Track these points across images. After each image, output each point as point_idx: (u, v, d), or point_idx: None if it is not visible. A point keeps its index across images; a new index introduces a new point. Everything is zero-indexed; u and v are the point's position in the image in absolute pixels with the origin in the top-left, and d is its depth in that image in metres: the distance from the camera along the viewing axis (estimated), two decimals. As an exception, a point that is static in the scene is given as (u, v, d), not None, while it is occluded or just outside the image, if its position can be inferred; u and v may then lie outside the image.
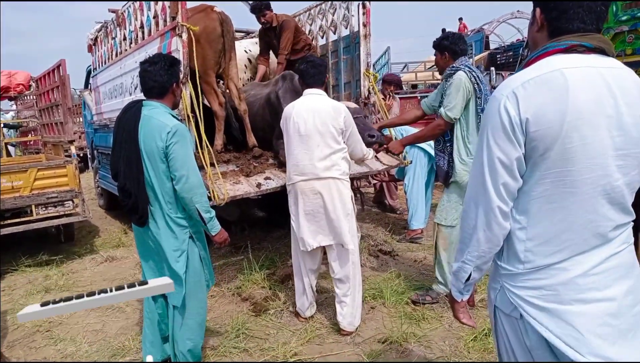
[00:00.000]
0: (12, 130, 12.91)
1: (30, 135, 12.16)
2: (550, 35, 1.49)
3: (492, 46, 19.65)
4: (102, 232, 6.94)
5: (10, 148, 11.47)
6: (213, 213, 2.73)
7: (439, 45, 3.67)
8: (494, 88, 6.95)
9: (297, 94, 4.38)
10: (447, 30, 18.57)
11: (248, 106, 4.61)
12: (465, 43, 3.69)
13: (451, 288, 1.71)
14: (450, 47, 3.60)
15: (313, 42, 5.68)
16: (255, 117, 4.63)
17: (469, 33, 19.31)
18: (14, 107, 14.45)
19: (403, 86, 10.26)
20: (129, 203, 2.69)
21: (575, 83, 1.35)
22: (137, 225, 2.75)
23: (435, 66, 3.76)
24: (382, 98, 6.66)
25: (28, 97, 8.59)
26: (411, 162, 4.81)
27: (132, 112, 2.71)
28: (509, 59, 16.24)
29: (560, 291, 1.42)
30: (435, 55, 3.76)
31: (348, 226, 3.43)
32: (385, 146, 4.22)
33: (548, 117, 1.35)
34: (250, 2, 5.33)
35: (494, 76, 9.74)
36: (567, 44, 1.42)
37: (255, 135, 4.62)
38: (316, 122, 3.39)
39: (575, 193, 1.39)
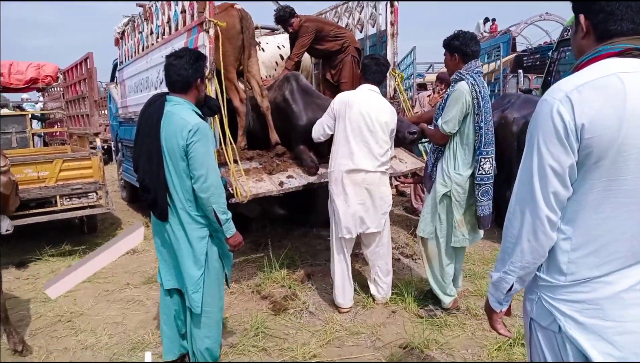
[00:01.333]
0: (40, 122, 13.11)
1: (56, 126, 12.38)
2: (598, 40, 1.40)
3: (519, 48, 19.30)
4: (124, 224, 7.01)
5: (37, 139, 11.65)
6: (229, 214, 2.70)
7: (448, 45, 3.44)
8: (522, 91, 6.83)
9: (305, 93, 4.37)
10: (473, 30, 18.29)
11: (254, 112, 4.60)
12: (478, 44, 3.43)
13: (489, 297, 1.64)
14: (460, 48, 3.36)
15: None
16: (263, 123, 4.60)
17: (495, 35, 18.98)
18: (42, 98, 14.72)
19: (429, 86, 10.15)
20: (148, 198, 2.69)
21: (633, 88, 1.27)
22: (159, 219, 2.74)
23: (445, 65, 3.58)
24: (430, 96, 6.58)
25: (55, 88, 8.72)
26: None
27: (155, 106, 2.69)
28: (536, 62, 15.88)
29: (603, 306, 1.36)
30: (444, 55, 3.53)
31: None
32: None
33: (604, 124, 1.27)
34: (275, 7, 5.23)
35: (522, 79, 9.55)
36: (622, 47, 1.34)
37: (260, 141, 4.61)
38: (380, 119, 3.58)
39: (627, 203, 1.32)
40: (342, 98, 3.69)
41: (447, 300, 3.62)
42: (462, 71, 3.34)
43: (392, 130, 3.69)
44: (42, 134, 12.16)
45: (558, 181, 1.36)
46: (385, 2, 4.93)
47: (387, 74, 4.70)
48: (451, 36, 3.43)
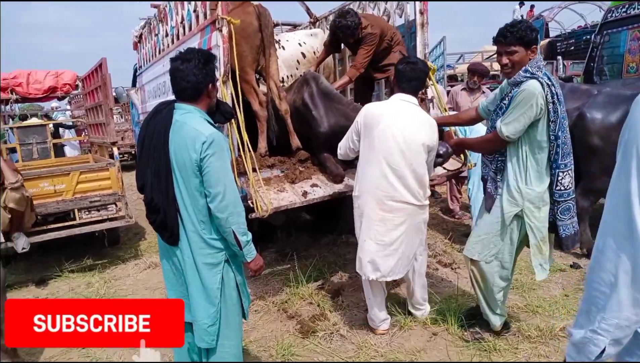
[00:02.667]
0: (70, 129, 13.13)
1: (83, 134, 12.38)
2: None
3: (552, 34, 18.45)
4: (147, 234, 6.79)
5: (67, 148, 11.62)
6: (250, 236, 2.37)
7: (523, 38, 2.72)
8: (562, 80, 6.20)
9: (325, 96, 3.98)
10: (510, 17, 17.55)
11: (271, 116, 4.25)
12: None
13: (566, 358, 1.26)
14: (536, 39, 2.76)
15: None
16: (283, 126, 4.24)
17: (521, 15, 18.16)
18: (69, 106, 14.79)
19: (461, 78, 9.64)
20: (157, 219, 2.36)
21: None
22: (168, 243, 2.41)
23: (508, 65, 2.79)
24: (466, 90, 6.11)
25: (80, 96, 8.63)
26: (475, 165, 4.29)
27: (162, 115, 2.36)
28: (570, 47, 15.11)
29: None
30: (511, 50, 2.77)
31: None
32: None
33: None
34: (338, 20, 4.46)
35: (561, 66, 8.95)
36: None
37: (281, 147, 4.27)
38: (415, 139, 3.03)
39: None
40: (369, 111, 3.19)
41: (497, 322, 3.19)
42: (530, 68, 2.73)
43: (430, 149, 3.10)
44: (74, 142, 12.17)
45: None
46: (413, -10, 4.51)
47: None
48: (522, 27, 2.73)
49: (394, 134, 3.02)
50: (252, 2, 4.00)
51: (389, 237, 3.09)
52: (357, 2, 5.53)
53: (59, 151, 9.45)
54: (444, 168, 4.00)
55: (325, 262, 4.79)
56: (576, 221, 2.97)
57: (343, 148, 3.41)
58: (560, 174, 2.82)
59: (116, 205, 5.39)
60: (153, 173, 2.34)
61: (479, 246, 3.08)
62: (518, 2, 17.79)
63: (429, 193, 3.21)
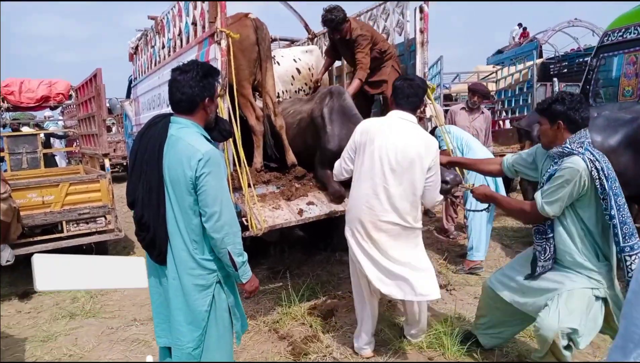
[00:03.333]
0: (61, 139, 13.01)
1: (74, 144, 12.25)
2: None
3: (545, 55, 18.65)
4: (136, 248, 6.65)
5: (58, 159, 11.49)
6: (246, 256, 2.28)
7: (547, 110, 2.67)
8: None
9: (344, 114, 3.90)
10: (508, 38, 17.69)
11: (287, 124, 4.18)
12: (588, 110, 2.64)
13: None
14: (567, 114, 2.59)
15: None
16: (294, 137, 4.18)
17: (521, 42, 18.39)
18: (61, 116, 14.68)
19: (456, 97, 9.66)
20: (146, 237, 2.26)
21: None
22: (156, 262, 2.31)
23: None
24: (465, 109, 6.08)
25: (73, 106, 8.54)
26: (474, 185, 4.23)
27: (157, 129, 2.28)
28: (563, 69, 15.27)
29: None
30: (539, 122, 2.77)
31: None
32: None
33: None
34: (324, 14, 4.66)
35: (556, 88, 8.98)
36: None
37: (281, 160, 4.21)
38: (408, 155, 2.89)
39: None
40: (365, 127, 3.10)
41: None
42: (570, 145, 2.60)
43: (428, 169, 2.94)
44: (65, 153, 12.04)
45: None
46: (414, 7, 4.49)
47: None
48: (551, 99, 2.69)
49: (387, 151, 2.91)
50: (249, 15, 3.96)
51: (377, 255, 2.97)
52: (357, 18, 5.52)
53: (50, 161, 9.33)
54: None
55: (319, 281, 4.69)
56: None
57: (337, 166, 3.31)
58: (628, 258, 2.50)
59: (106, 218, 5.29)
60: (144, 188, 2.25)
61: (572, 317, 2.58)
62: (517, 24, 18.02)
63: (419, 216, 3.04)
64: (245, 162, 3.42)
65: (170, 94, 2.30)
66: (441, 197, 3.12)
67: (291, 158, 4.05)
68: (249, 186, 3.40)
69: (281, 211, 3.52)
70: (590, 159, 2.52)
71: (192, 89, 2.23)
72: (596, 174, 2.51)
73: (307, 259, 5.47)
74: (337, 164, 3.32)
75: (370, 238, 2.97)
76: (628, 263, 2.49)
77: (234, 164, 3.47)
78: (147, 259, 2.38)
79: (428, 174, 2.95)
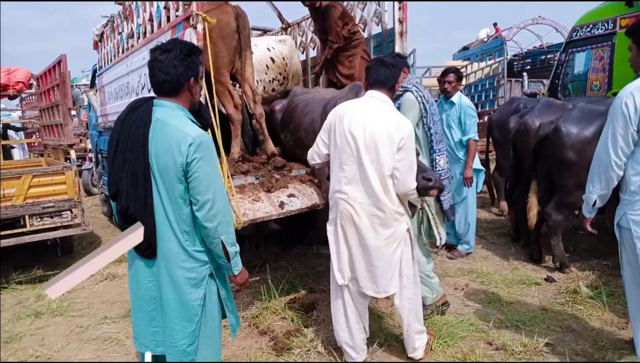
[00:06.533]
0: (19, 132, 12.42)
1: (34, 136, 11.69)
2: None
3: (510, 53, 19.03)
4: (104, 243, 6.39)
5: (15, 151, 10.96)
6: (238, 247, 2.17)
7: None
8: (527, 95, 6.51)
9: None
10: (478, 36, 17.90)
11: (304, 104, 4.08)
12: None
13: (583, 209, 2.79)
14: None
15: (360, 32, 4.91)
16: (303, 118, 4.05)
17: (486, 40, 18.70)
18: (20, 106, 14.03)
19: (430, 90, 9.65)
20: None
21: None
22: (144, 257, 2.15)
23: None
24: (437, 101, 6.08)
25: (34, 96, 8.14)
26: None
27: (139, 113, 2.10)
28: (526, 66, 15.63)
29: None
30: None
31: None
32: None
33: None
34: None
35: (526, 83, 9.16)
36: None
37: (295, 137, 4.09)
38: (379, 133, 2.73)
39: None
40: (335, 109, 2.99)
41: None
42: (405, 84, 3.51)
43: (401, 146, 2.73)
44: (23, 145, 11.51)
45: (623, 141, 2.46)
46: (392, -1, 4.44)
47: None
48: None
49: (355, 130, 2.77)
50: (230, 3, 3.82)
51: (355, 244, 2.83)
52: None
53: (6, 153, 8.87)
54: None
55: (297, 274, 4.60)
56: (451, 197, 3.70)
57: (310, 150, 3.14)
58: (437, 157, 3.49)
59: (72, 212, 5.04)
60: (129, 178, 2.08)
61: None
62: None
63: (395, 200, 2.82)
64: (224, 152, 3.29)
65: (151, 75, 2.13)
66: (414, 185, 2.83)
67: (271, 147, 3.94)
68: (228, 177, 3.27)
69: (261, 203, 3.41)
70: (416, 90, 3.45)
71: (176, 68, 2.08)
72: (421, 99, 3.43)
73: (284, 252, 5.38)
74: (310, 148, 3.16)
75: (351, 222, 2.82)
76: (437, 160, 3.50)
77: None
78: (129, 255, 2.22)
79: (398, 156, 2.75)
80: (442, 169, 3.48)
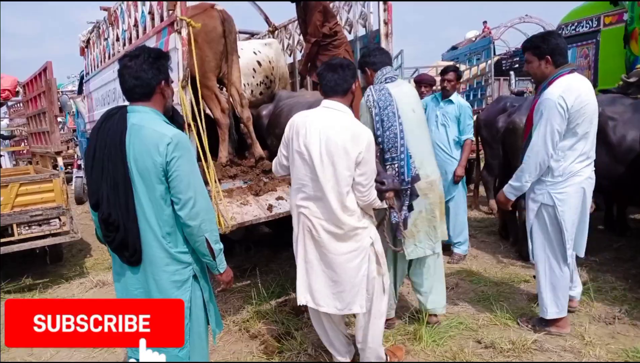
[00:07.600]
0: (6, 140, 12.32)
1: (23, 144, 11.60)
2: (555, 67, 3.00)
3: (498, 52, 19.14)
4: (94, 250, 6.37)
5: (2, 159, 10.87)
6: (222, 245, 2.18)
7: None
8: (514, 94, 6.64)
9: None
10: (467, 35, 18.01)
11: (289, 109, 4.07)
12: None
13: (507, 192, 3.28)
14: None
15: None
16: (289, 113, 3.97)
17: (474, 39, 18.81)
18: (7, 114, 13.92)
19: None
20: (116, 237, 2.10)
21: (584, 87, 2.95)
22: (129, 264, 2.15)
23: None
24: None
25: (20, 103, 8.09)
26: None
27: (114, 121, 2.11)
28: (514, 65, 15.71)
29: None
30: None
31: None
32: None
33: (580, 106, 2.90)
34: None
35: (514, 81, 9.26)
36: (569, 69, 2.99)
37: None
38: (328, 149, 2.54)
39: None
40: (291, 121, 2.76)
41: None
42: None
43: (360, 161, 2.55)
44: (11, 153, 11.41)
45: (558, 136, 2.95)
46: (377, 0, 4.46)
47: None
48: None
49: (310, 146, 2.58)
50: (216, 7, 3.83)
51: (316, 259, 2.69)
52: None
53: (-5, 162, 8.82)
54: None
55: (288, 277, 4.60)
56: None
57: (274, 162, 2.99)
58: (388, 167, 3.05)
59: (60, 219, 5.00)
60: (109, 185, 2.08)
61: None
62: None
63: (356, 214, 2.64)
64: (210, 156, 3.29)
65: (122, 82, 2.15)
66: (378, 201, 2.74)
67: (259, 150, 3.96)
68: (215, 181, 3.27)
69: (250, 207, 3.42)
70: (367, 93, 3.14)
71: (145, 72, 2.10)
72: (372, 103, 3.08)
73: (274, 256, 5.37)
74: (274, 160, 3.01)
75: (309, 238, 2.69)
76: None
77: (199, 159, 3.33)
78: (114, 263, 2.22)
79: (359, 171, 2.57)
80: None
